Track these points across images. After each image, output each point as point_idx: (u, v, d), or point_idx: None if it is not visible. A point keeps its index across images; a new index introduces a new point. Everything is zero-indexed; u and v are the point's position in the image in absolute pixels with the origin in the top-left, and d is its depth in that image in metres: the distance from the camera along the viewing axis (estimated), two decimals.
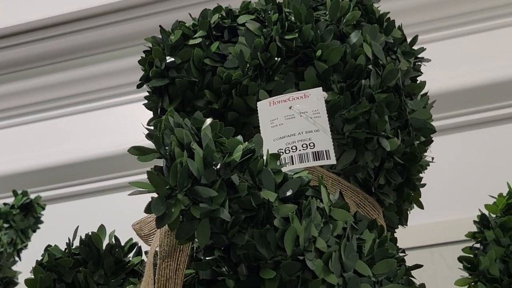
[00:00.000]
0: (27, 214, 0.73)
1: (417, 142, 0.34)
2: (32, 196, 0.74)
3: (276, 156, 0.24)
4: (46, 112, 1.07)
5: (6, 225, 0.70)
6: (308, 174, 0.24)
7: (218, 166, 0.21)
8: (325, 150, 0.26)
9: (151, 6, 0.99)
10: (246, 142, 0.23)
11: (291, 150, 0.26)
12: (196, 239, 0.22)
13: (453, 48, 0.87)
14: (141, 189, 0.21)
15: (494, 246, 0.37)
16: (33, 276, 0.29)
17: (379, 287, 0.24)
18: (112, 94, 1.03)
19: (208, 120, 0.23)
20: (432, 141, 0.36)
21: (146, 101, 0.36)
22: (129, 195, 0.21)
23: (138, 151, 0.22)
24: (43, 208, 0.75)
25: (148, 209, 0.20)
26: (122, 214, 0.79)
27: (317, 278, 0.21)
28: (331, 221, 0.23)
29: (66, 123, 1.05)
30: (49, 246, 0.30)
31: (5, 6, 1.07)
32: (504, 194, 0.41)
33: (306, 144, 0.26)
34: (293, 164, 0.26)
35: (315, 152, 0.26)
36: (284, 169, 0.24)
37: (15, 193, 0.74)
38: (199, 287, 0.26)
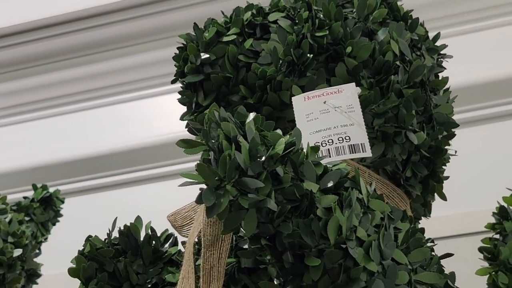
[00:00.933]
0: (47, 207, 0.74)
1: (441, 136, 0.35)
2: (51, 190, 0.75)
3: (315, 149, 0.25)
4: (66, 106, 1.08)
5: (27, 218, 0.71)
6: (347, 166, 0.24)
7: (263, 159, 0.22)
8: (361, 143, 0.27)
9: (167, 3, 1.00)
10: (287, 135, 0.24)
11: (327, 143, 0.27)
12: (241, 228, 0.22)
13: (469, 42, 0.88)
14: (191, 180, 0.22)
15: None
16: (75, 266, 0.30)
17: (414, 275, 0.25)
18: (134, 88, 1.04)
19: (252, 115, 0.24)
20: (455, 135, 0.36)
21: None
22: (179, 186, 0.22)
23: (186, 144, 0.23)
24: (63, 202, 0.76)
25: (199, 200, 0.21)
26: (141, 206, 0.80)
27: (358, 266, 0.22)
28: (369, 211, 0.24)
29: (86, 116, 1.06)
30: (90, 236, 0.31)
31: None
32: None
33: (342, 138, 0.27)
34: (330, 156, 0.26)
35: (351, 145, 0.27)
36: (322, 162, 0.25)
37: (34, 187, 0.75)
38: (240, 275, 0.26)
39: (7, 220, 0.63)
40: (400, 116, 0.31)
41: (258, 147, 0.22)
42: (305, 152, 0.24)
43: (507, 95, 0.84)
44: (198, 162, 0.22)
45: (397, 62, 0.32)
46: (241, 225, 0.22)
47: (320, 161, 0.24)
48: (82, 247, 0.31)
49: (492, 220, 0.42)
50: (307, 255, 0.22)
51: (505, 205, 0.41)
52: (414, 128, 0.32)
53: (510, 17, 0.88)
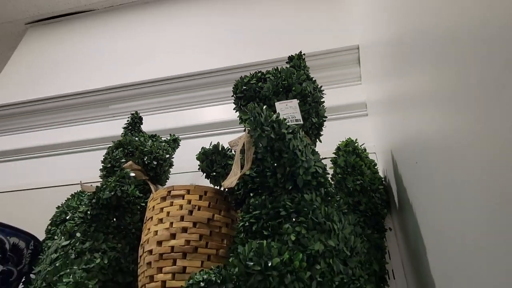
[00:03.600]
0: None
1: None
2: None
3: (283, 121, 0.75)
4: None
5: None
6: None
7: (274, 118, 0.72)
8: (298, 119, 0.78)
9: None
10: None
11: (288, 119, 0.78)
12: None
13: None
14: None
15: None
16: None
17: None
18: None
19: (265, 107, 0.74)
20: None
21: None
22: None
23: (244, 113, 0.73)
24: None
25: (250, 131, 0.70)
26: None
27: None
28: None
29: None
30: None
31: None
32: None
33: (293, 117, 0.78)
34: (289, 123, 0.77)
35: (296, 119, 0.78)
36: None
37: None
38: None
39: None
40: (309, 106, 0.83)
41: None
42: None
43: None
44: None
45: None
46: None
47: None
48: None
49: None
50: None
51: None
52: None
53: None
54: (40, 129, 1.75)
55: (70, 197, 1.24)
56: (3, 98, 1.88)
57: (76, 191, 1.25)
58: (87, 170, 1.51)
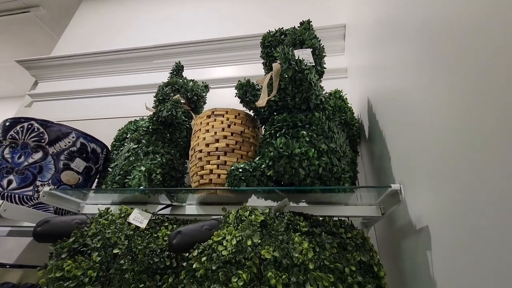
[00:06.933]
0: None
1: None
2: None
3: None
4: None
5: None
6: None
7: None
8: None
9: None
10: None
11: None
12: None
13: None
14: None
15: None
16: None
17: None
18: None
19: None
20: None
21: None
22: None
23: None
24: None
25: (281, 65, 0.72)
26: None
27: None
28: None
29: None
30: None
31: None
32: None
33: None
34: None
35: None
36: None
37: None
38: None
39: None
40: (316, 57, 0.85)
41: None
42: None
43: None
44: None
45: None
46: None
47: None
48: None
49: None
50: None
51: None
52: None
53: None
54: (103, 76, 1.72)
55: (128, 123, 1.26)
56: (74, 49, 1.82)
57: (131, 120, 1.27)
58: (135, 108, 1.52)
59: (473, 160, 0.39)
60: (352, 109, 1.07)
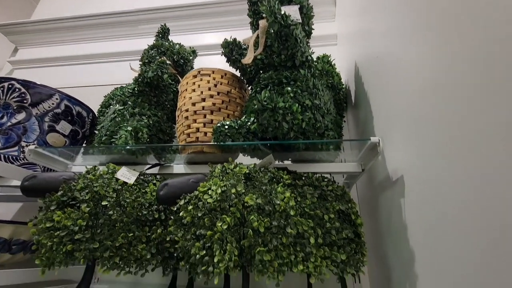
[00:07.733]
0: None
1: None
2: None
3: None
4: None
5: None
6: None
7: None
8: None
9: None
10: None
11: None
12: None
13: None
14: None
15: None
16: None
17: None
18: None
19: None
20: None
21: None
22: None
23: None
24: None
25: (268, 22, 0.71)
26: None
27: None
28: None
29: None
30: None
31: None
32: None
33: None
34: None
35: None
36: None
37: None
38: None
39: None
40: (304, 16, 0.83)
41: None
42: None
43: None
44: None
45: None
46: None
47: None
48: None
49: None
50: None
51: None
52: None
53: None
54: (87, 41, 1.65)
55: (114, 89, 1.23)
56: (57, 13, 1.73)
57: (117, 87, 1.24)
58: (120, 75, 1.48)
59: (447, 116, 0.41)
60: (340, 75, 1.07)
